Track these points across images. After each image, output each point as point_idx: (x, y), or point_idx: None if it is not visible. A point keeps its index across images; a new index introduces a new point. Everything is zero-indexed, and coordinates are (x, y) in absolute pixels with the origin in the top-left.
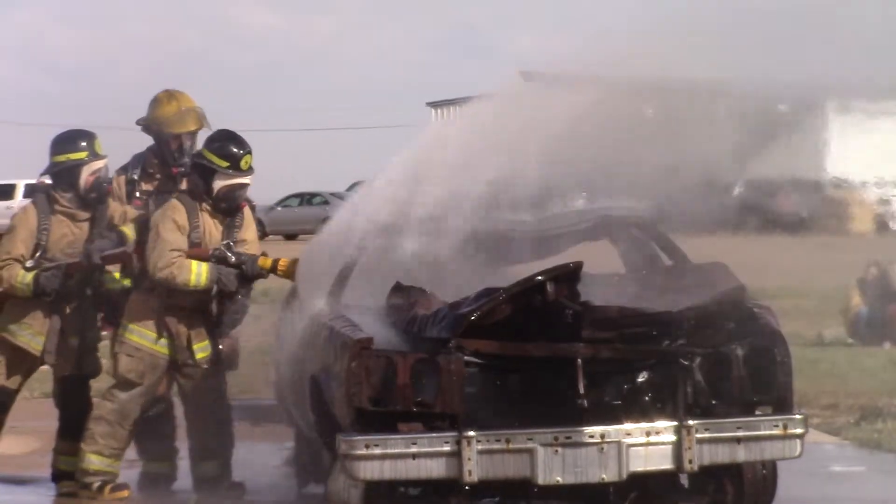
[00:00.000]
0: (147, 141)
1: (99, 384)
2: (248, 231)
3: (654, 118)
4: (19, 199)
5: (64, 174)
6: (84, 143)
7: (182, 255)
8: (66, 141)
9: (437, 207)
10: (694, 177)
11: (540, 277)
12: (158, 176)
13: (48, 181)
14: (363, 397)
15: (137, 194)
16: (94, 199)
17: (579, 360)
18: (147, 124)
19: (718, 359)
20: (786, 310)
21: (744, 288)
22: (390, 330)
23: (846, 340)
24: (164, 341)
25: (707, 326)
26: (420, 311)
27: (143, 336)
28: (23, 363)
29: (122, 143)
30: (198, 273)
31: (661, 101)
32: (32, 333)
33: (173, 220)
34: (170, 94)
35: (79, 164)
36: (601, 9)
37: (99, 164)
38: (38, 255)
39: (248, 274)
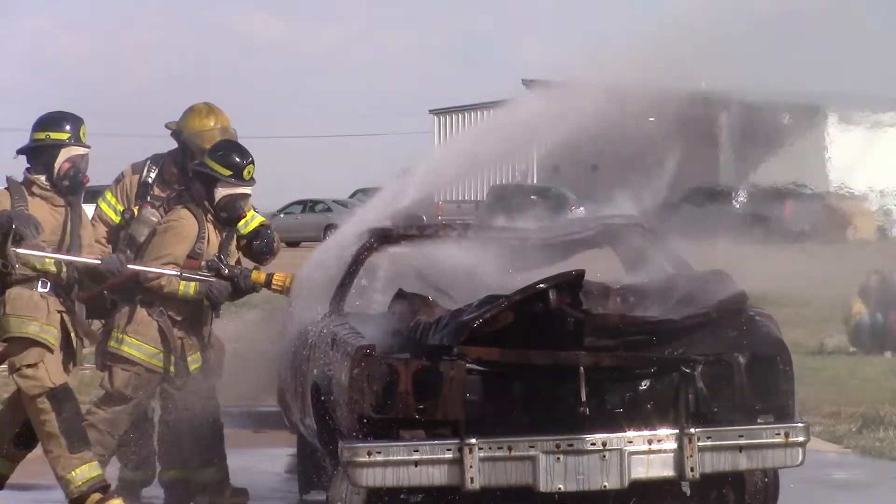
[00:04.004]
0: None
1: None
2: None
3: (656, 127)
4: None
5: (40, 154)
6: (69, 126)
7: (174, 267)
8: (51, 120)
9: (439, 214)
10: (696, 186)
11: (542, 285)
12: (176, 185)
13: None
14: (365, 404)
15: (148, 198)
16: (65, 188)
17: (581, 368)
18: (178, 131)
19: (720, 367)
20: (787, 318)
21: (745, 296)
22: (393, 337)
23: (848, 349)
24: (161, 355)
25: (709, 334)
26: (422, 319)
27: (140, 350)
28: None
29: (121, 150)
30: (186, 283)
31: (664, 110)
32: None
33: (178, 230)
34: (209, 108)
35: (57, 146)
36: (604, 18)
37: (79, 150)
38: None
39: (241, 287)
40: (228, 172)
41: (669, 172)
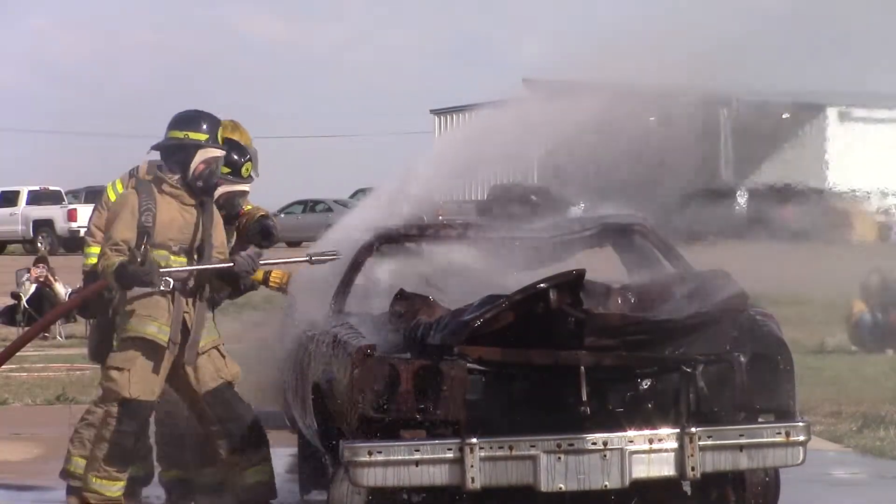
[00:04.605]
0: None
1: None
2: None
3: (656, 126)
4: (23, 206)
5: (175, 152)
6: (207, 127)
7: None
8: (189, 119)
9: (440, 214)
10: (696, 185)
11: (543, 285)
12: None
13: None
14: (366, 404)
15: None
16: (199, 189)
17: (582, 368)
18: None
19: (721, 366)
20: (788, 317)
21: (746, 295)
22: (393, 337)
23: (848, 348)
24: None
25: (710, 333)
26: (423, 319)
27: None
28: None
29: (122, 151)
30: None
31: (664, 109)
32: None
33: None
34: (234, 125)
35: (195, 146)
36: (605, 17)
37: (214, 153)
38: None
39: (239, 285)
40: (227, 170)
41: (669, 171)
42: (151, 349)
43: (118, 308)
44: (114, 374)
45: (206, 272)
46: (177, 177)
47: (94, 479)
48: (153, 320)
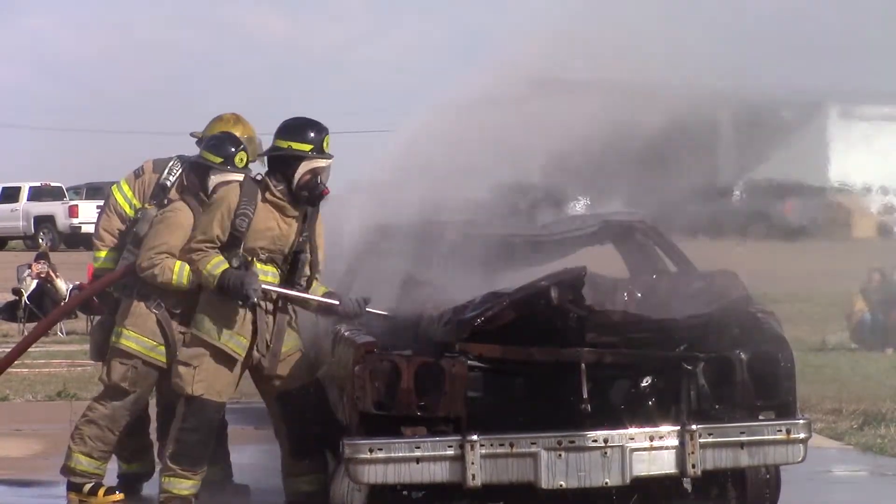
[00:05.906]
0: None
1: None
2: None
3: (658, 124)
4: (24, 202)
5: (281, 162)
6: (312, 135)
7: (168, 256)
8: (294, 129)
9: (440, 211)
10: (698, 182)
11: (544, 282)
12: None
13: (260, 168)
14: (367, 401)
15: (165, 202)
16: (303, 198)
17: (583, 365)
18: (203, 139)
19: (722, 364)
20: (789, 315)
21: (749, 297)
22: (394, 333)
23: (849, 346)
24: (161, 349)
25: (711, 332)
26: (427, 311)
27: (140, 343)
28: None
29: (122, 147)
30: (179, 273)
31: (666, 106)
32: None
33: (175, 221)
34: (237, 118)
35: (300, 157)
36: (605, 16)
37: (320, 163)
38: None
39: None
40: (219, 160)
41: (670, 169)
42: (221, 352)
43: (196, 303)
44: (181, 369)
45: (306, 301)
46: (281, 186)
47: (164, 479)
48: (227, 328)
